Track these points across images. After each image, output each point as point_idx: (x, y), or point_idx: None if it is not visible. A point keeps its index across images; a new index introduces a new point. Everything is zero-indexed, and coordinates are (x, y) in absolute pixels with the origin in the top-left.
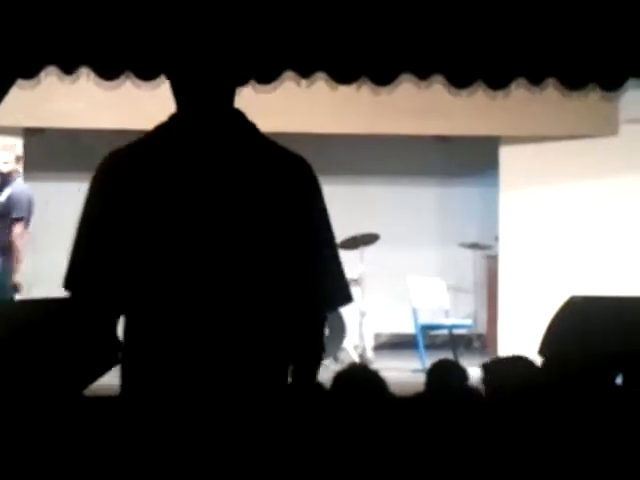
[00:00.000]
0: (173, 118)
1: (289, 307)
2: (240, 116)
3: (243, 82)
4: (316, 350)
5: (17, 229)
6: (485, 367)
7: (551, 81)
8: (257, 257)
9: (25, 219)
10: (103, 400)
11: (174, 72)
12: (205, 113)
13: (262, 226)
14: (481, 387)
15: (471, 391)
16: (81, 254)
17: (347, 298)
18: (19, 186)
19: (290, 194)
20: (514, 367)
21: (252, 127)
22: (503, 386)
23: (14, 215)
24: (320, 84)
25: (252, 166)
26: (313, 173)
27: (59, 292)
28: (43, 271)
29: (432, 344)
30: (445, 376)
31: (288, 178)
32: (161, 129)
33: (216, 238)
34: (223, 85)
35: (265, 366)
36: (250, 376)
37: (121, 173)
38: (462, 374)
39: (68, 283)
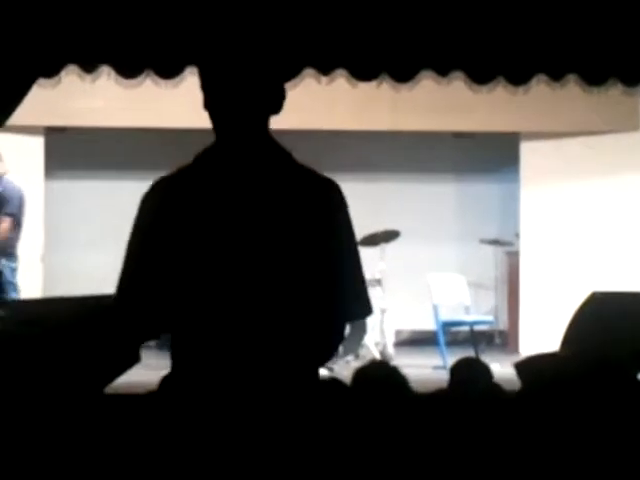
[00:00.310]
0: (213, 146)
1: (315, 316)
2: (274, 144)
3: (277, 111)
4: (328, 354)
5: (4, 224)
6: (520, 365)
7: (572, 77)
8: (288, 272)
9: (15, 216)
10: (124, 398)
11: (213, 104)
12: (242, 142)
13: (293, 245)
14: (518, 384)
15: (494, 388)
16: (131, 269)
17: (367, 312)
18: (9, 184)
19: (319, 216)
20: (549, 364)
21: (286, 153)
22: (540, 383)
23: (4, 211)
24: (340, 81)
25: (285, 190)
26: (342, 195)
27: (80, 289)
28: (63, 268)
29: (453, 341)
30: (469, 374)
31: (317, 201)
32: (203, 156)
33: (253, 255)
34: (258, 115)
35: (294, 368)
36: (280, 377)
37: (168, 197)
38: (486, 371)
39: (119, 297)
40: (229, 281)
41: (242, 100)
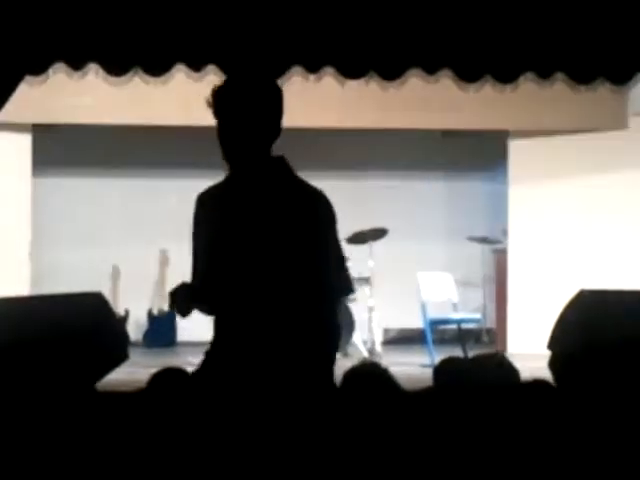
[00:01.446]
0: (233, 172)
1: (311, 293)
2: (280, 161)
3: (277, 136)
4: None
5: None
6: (438, 368)
7: (560, 75)
8: (291, 262)
9: None
10: (116, 396)
11: (227, 138)
12: (254, 166)
13: (294, 242)
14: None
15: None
16: (199, 256)
17: (350, 291)
18: None
19: (313, 220)
20: (473, 366)
21: (289, 170)
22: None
23: None
24: (328, 79)
25: (287, 200)
26: (330, 203)
27: (68, 286)
28: (50, 265)
29: (441, 339)
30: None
31: (312, 208)
32: (227, 179)
33: (269, 249)
34: (264, 144)
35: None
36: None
37: (208, 208)
38: (472, 369)
39: (194, 277)
40: (255, 267)
41: (252, 133)
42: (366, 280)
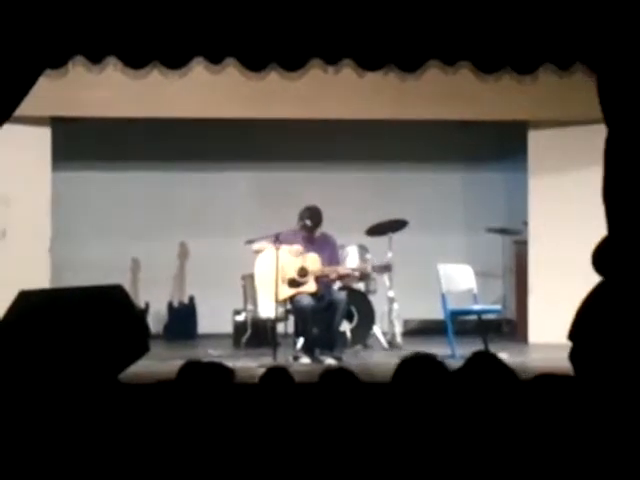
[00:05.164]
0: None
1: None
2: None
3: None
4: None
5: None
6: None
7: (579, 66)
8: None
9: None
10: (138, 387)
11: None
12: None
13: None
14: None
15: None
16: None
17: None
18: None
19: None
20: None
21: None
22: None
23: None
24: (347, 71)
25: None
26: None
27: (88, 280)
28: (70, 259)
29: (461, 330)
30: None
31: None
32: None
33: None
34: None
35: None
36: None
37: None
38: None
39: None
40: None
41: None
42: (386, 271)
